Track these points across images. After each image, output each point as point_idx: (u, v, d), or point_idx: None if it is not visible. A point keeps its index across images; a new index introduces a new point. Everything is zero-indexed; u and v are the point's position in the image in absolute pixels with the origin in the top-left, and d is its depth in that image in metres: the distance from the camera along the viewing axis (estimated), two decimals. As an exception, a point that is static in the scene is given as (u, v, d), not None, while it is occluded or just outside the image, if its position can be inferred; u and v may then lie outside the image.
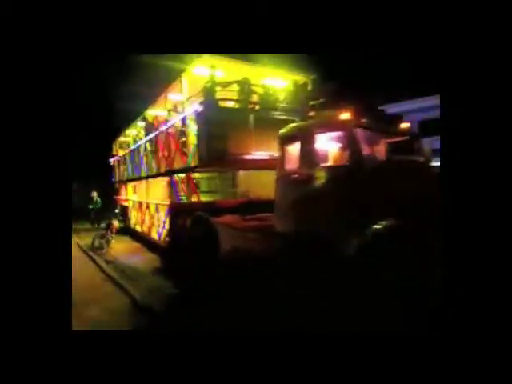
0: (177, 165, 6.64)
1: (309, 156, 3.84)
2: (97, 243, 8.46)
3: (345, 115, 3.70)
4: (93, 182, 22.26)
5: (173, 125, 6.69)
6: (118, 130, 13.77)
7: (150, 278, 6.05)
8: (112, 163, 14.32)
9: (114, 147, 14.02)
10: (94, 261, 7.61)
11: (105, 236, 8.56)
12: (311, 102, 6.17)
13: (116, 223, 9.07)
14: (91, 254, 8.23)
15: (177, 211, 6.92)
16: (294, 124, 4.38)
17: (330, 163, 3.81)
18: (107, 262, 7.35)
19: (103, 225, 10.95)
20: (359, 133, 3.50)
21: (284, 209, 4.07)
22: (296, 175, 3.96)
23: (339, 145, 3.91)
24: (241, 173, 5.87)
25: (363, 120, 3.66)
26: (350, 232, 3.23)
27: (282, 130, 4.43)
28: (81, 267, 6.90)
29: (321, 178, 3.58)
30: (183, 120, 6.06)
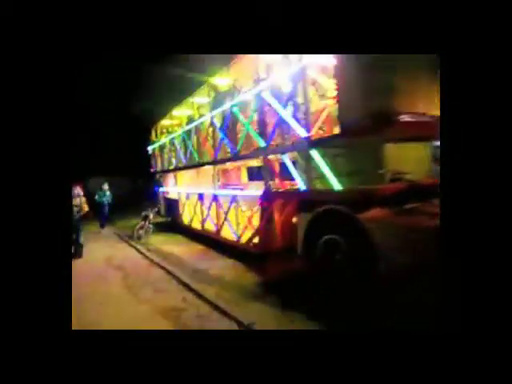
0: (281, 140, 4.84)
1: None
2: (137, 234, 9.04)
3: None
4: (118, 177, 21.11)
5: (272, 85, 4.87)
6: (155, 114, 12.20)
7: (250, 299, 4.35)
8: (152, 151, 12.68)
9: (154, 133, 12.36)
10: (138, 250, 8.03)
11: (143, 227, 9.17)
12: None
13: (151, 215, 9.51)
14: (133, 243, 8.72)
15: (277, 203, 5.15)
16: None
17: None
18: (149, 249, 7.86)
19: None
20: None
21: None
22: None
23: None
24: (389, 146, 4.01)
25: None
26: None
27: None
28: (127, 255, 7.61)
29: None
30: (301, 74, 4.21)
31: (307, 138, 4.10)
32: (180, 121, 9.74)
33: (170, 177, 10.89)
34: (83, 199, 7.59)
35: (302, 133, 4.24)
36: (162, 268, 6.05)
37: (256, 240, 5.69)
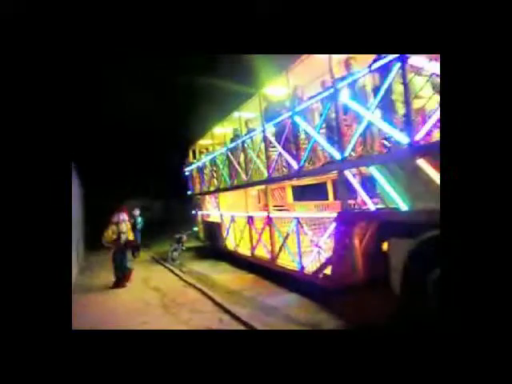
0: (366, 149, 4.00)
1: None
2: (171, 255, 9.13)
3: None
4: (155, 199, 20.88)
5: (350, 84, 4.08)
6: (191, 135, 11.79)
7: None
8: (189, 173, 12.15)
9: (191, 153, 11.88)
10: (173, 271, 8.24)
11: (177, 249, 9.22)
12: None
13: (185, 237, 9.44)
14: (168, 265, 8.90)
15: (358, 226, 4.24)
16: None
17: None
18: (183, 271, 8.05)
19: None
20: None
21: None
22: None
23: None
24: None
25: None
26: None
27: None
28: (163, 277, 7.82)
29: None
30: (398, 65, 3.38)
31: (414, 145, 3.22)
32: (222, 139, 9.14)
33: (211, 199, 10.24)
34: (128, 225, 6.96)
35: (401, 139, 3.37)
36: (221, 308, 5.20)
37: (328, 271, 4.76)
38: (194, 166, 11.45)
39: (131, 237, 6.93)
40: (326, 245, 4.89)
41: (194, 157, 11.60)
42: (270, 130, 6.08)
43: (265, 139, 6.18)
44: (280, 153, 5.69)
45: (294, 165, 5.30)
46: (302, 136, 5.19)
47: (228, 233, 8.55)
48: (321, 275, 4.89)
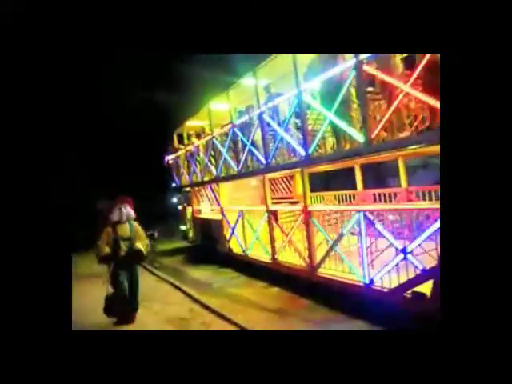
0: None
1: None
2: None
3: None
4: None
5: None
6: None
7: None
8: (172, 161, 10.24)
9: (176, 139, 9.96)
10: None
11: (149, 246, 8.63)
12: None
13: (156, 234, 9.53)
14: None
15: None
16: None
17: None
18: (156, 267, 7.99)
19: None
20: None
21: None
22: None
23: None
24: None
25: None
26: None
27: None
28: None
29: None
30: None
31: None
32: (224, 116, 7.31)
33: (206, 191, 8.44)
34: (138, 226, 4.59)
35: None
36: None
37: (423, 289, 3.23)
38: (180, 153, 9.55)
39: (142, 246, 4.49)
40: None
41: (182, 142, 9.70)
42: (311, 91, 4.47)
43: (300, 106, 4.55)
44: (329, 122, 4.09)
45: (358, 137, 3.73)
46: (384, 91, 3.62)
47: (234, 232, 6.84)
48: (408, 294, 3.38)
